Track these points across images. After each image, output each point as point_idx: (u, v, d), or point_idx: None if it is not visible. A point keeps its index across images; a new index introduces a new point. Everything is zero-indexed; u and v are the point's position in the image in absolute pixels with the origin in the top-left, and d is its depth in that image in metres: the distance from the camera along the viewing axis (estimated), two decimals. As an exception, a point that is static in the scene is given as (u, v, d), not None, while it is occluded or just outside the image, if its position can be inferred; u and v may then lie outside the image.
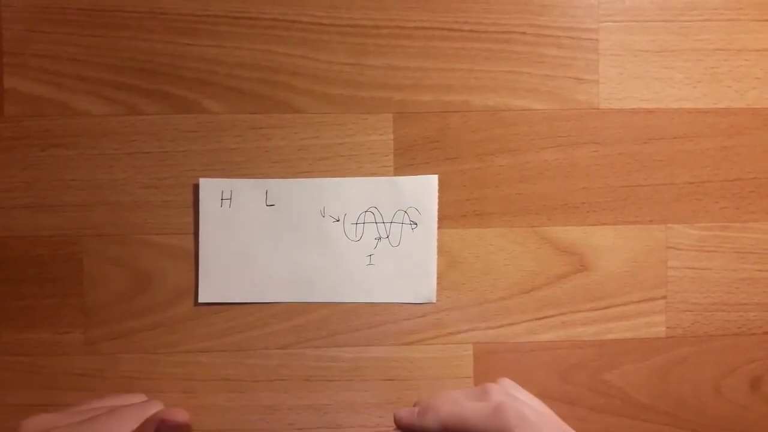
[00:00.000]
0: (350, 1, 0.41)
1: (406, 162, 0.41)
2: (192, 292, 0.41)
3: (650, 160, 0.42)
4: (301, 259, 0.41)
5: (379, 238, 0.41)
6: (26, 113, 0.40)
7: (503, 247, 0.42)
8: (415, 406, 0.34)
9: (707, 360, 0.43)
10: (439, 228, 0.41)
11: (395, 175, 0.41)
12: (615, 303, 0.42)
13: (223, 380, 0.41)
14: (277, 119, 0.41)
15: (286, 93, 0.41)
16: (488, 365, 0.42)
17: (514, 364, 0.42)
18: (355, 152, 0.41)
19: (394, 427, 0.34)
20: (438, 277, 0.42)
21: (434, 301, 0.42)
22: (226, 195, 0.41)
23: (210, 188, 0.41)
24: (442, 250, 0.42)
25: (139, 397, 0.37)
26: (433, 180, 0.41)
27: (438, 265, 0.41)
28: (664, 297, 0.42)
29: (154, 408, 0.32)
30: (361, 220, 0.41)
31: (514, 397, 0.32)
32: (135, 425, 0.31)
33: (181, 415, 0.31)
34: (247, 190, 0.41)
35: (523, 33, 0.41)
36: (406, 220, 0.41)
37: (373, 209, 0.41)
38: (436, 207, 0.41)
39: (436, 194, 0.41)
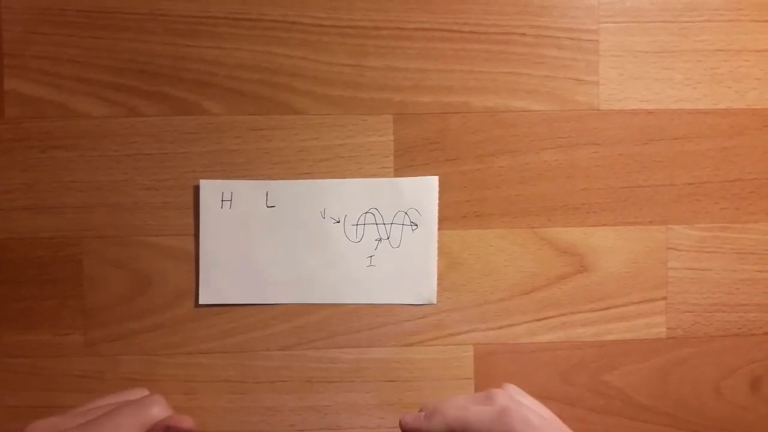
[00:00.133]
0: (350, 3, 0.41)
1: (406, 163, 0.41)
2: (192, 294, 0.41)
3: (650, 161, 0.42)
4: (302, 260, 0.41)
5: (380, 240, 0.41)
6: (26, 115, 0.40)
7: (503, 248, 0.42)
8: (420, 411, 0.34)
9: (707, 361, 0.43)
10: (439, 229, 0.41)
11: (395, 176, 0.41)
12: (615, 304, 0.42)
13: (224, 382, 0.41)
14: (277, 120, 0.41)
15: (286, 94, 0.41)
16: (489, 366, 0.42)
17: (515, 365, 0.42)
18: (356, 153, 0.41)
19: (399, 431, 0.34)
20: (438, 278, 0.42)
21: (435, 302, 0.42)
22: (227, 196, 0.41)
23: (210, 189, 0.41)
24: (442, 251, 0.42)
25: (141, 392, 0.37)
26: (433, 181, 0.41)
27: (438, 266, 0.41)
28: (665, 298, 0.42)
29: (156, 403, 0.32)
30: (361, 222, 0.41)
31: (519, 402, 0.32)
32: (136, 423, 0.31)
33: (186, 422, 0.32)
34: (247, 191, 0.41)
35: (523, 34, 0.41)
36: (407, 222, 0.41)
37: (373, 210, 0.41)
38: (436, 208, 0.41)
39: (437, 195, 0.41)
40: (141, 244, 0.41)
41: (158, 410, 0.32)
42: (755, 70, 0.42)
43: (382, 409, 0.42)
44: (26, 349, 0.40)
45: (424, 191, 0.41)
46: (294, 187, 0.41)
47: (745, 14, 0.42)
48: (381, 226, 0.41)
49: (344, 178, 0.41)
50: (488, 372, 0.42)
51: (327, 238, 0.41)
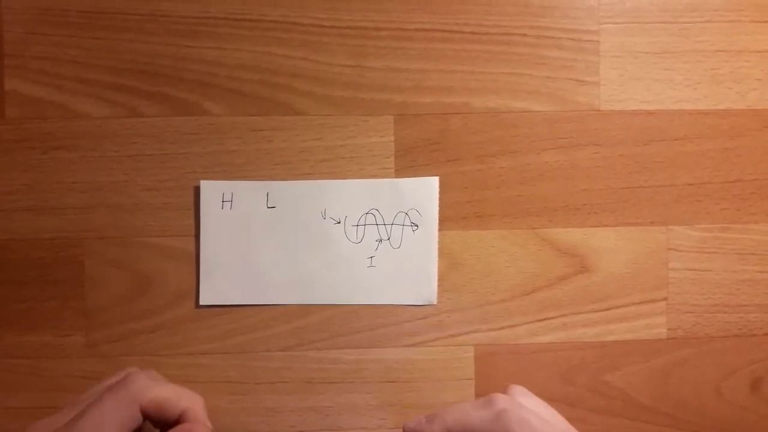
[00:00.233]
0: (350, 3, 0.41)
1: (406, 164, 0.41)
2: (193, 295, 0.41)
3: (651, 162, 0.42)
4: (302, 261, 0.41)
5: (380, 240, 0.41)
6: (27, 115, 0.40)
7: (504, 248, 0.42)
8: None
9: (708, 361, 0.43)
10: (439, 230, 0.41)
11: (396, 176, 0.41)
12: (616, 304, 0.42)
13: (224, 382, 0.41)
14: (277, 121, 0.41)
15: (286, 95, 0.41)
16: (489, 367, 0.42)
17: (515, 365, 0.42)
18: (356, 154, 0.41)
19: None
20: (439, 279, 0.42)
21: (435, 302, 0.42)
22: (227, 197, 0.41)
23: (211, 190, 0.41)
24: (442, 252, 0.42)
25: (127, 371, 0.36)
26: (433, 182, 0.41)
27: (439, 267, 0.41)
28: (665, 298, 0.42)
29: (135, 380, 0.31)
30: (362, 222, 0.41)
31: (520, 404, 0.32)
32: (125, 406, 0.30)
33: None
34: (248, 192, 0.41)
35: (524, 35, 0.41)
36: (407, 222, 0.41)
37: (374, 211, 0.41)
38: (436, 209, 0.41)
39: (437, 196, 0.41)
40: (142, 244, 0.41)
41: (140, 385, 0.31)
42: (756, 70, 0.42)
43: (382, 409, 0.42)
44: (27, 350, 0.40)
45: (424, 192, 0.41)
46: (294, 187, 0.41)
47: (746, 15, 0.42)
48: (381, 227, 0.41)
49: (345, 178, 0.41)
50: (489, 373, 0.42)
51: (327, 238, 0.41)
